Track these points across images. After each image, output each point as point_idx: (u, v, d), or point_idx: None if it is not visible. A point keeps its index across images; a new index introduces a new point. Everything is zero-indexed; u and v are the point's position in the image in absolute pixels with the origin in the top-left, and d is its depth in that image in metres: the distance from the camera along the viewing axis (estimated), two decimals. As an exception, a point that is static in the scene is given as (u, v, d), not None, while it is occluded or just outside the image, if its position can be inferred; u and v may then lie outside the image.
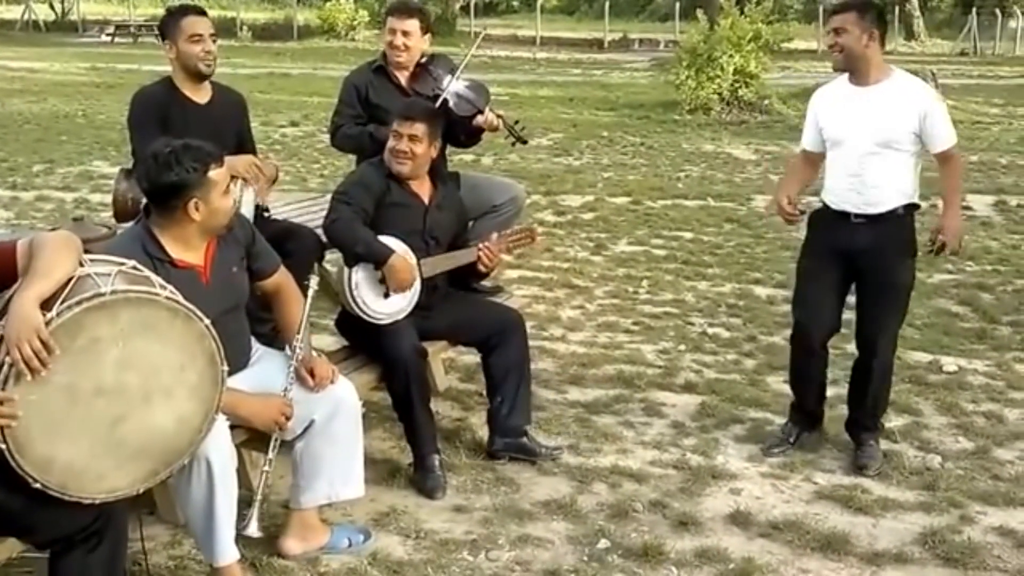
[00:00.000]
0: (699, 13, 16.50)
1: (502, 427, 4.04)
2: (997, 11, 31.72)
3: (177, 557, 3.33)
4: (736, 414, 4.55)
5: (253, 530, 3.14)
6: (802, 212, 4.08)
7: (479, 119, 4.55)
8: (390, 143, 3.94)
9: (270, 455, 3.20)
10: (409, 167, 3.94)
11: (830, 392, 4.32)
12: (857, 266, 3.95)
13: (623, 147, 12.63)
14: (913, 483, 3.93)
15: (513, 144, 4.86)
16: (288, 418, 3.18)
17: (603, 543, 3.47)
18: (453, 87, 4.54)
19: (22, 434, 2.38)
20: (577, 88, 20.24)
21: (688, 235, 8.00)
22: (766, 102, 15.45)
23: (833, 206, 3.98)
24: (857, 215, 3.90)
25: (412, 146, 3.90)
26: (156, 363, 2.57)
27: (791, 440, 4.18)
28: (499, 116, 4.62)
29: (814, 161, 4.15)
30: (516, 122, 4.83)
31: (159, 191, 2.97)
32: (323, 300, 5.30)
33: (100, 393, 2.48)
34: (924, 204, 4.11)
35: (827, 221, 4.02)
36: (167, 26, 4.04)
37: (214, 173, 2.97)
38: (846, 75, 3.94)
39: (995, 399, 4.79)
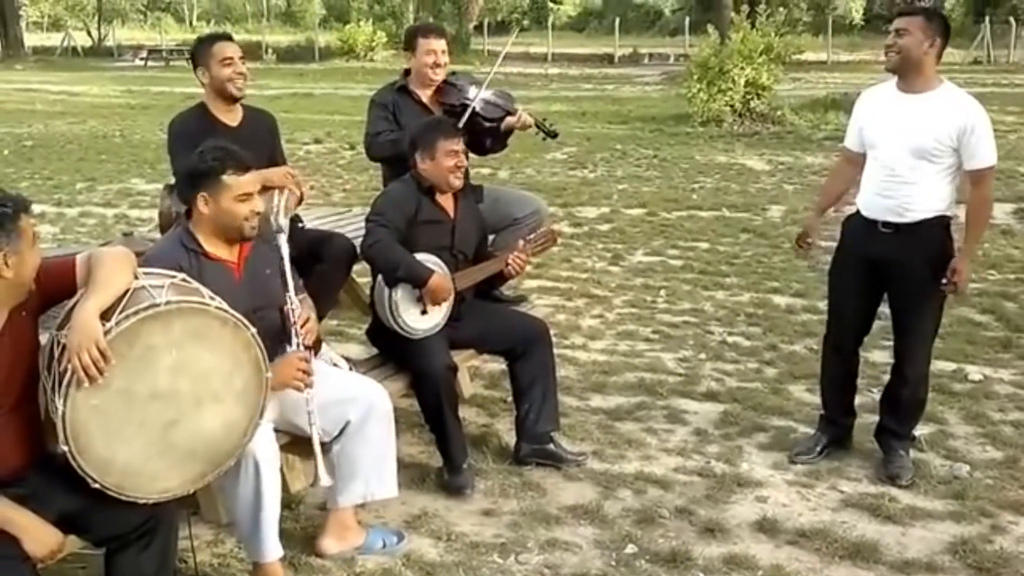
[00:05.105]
0: (710, 28, 16.60)
1: (529, 433, 4.11)
2: (1011, 19, 31.41)
3: (220, 555, 3.43)
4: (759, 422, 4.56)
5: (325, 479, 3.20)
6: (811, 245, 4.23)
7: (510, 120, 4.68)
8: (449, 161, 3.96)
9: (311, 413, 3.15)
10: (463, 180, 4.07)
11: (855, 401, 4.31)
12: (884, 276, 3.94)
13: (636, 160, 12.66)
14: (941, 492, 3.91)
15: (544, 139, 4.96)
16: (307, 372, 3.14)
17: (631, 548, 3.51)
18: (481, 95, 4.66)
19: (84, 436, 2.50)
20: (589, 102, 20.27)
21: (704, 245, 8.01)
22: (778, 113, 15.49)
23: (863, 211, 3.98)
24: (885, 224, 3.88)
25: (463, 160, 4.02)
26: (206, 370, 2.68)
27: (819, 449, 4.18)
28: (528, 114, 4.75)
29: (856, 162, 4.09)
30: (544, 119, 4.93)
31: (180, 177, 3.24)
32: (352, 310, 5.41)
33: (155, 398, 2.59)
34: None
35: (856, 229, 4.02)
36: (199, 53, 4.17)
37: (230, 178, 3.07)
38: (895, 79, 3.89)
39: (1023, 408, 4.72)
